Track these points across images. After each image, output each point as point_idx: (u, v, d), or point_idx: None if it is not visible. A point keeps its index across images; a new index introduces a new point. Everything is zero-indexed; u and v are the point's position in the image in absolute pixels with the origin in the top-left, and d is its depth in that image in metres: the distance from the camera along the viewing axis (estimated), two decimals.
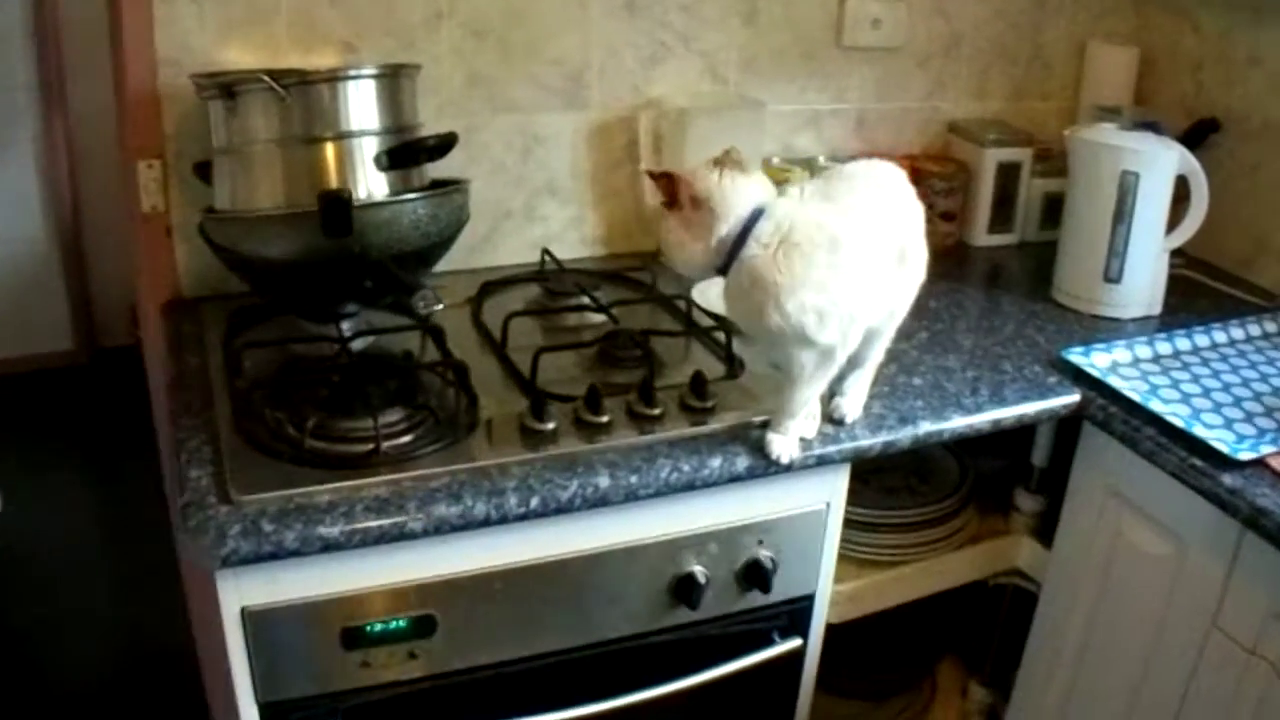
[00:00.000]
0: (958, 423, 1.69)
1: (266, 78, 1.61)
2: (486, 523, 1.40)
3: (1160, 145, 2.01)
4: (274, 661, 1.41)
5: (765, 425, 1.56)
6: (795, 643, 1.73)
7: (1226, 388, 1.82)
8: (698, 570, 1.59)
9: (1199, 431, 1.64)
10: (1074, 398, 1.78)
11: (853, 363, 1.56)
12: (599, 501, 1.45)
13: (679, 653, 1.64)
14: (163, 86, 1.81)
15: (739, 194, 1.41)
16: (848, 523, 1.74)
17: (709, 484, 1.52)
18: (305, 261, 1.62)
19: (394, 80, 1.72)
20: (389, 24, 1.90)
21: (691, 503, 1.55)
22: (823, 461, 1.59)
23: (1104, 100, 2.42)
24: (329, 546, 1.33)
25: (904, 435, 1.65)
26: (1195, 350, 1.95)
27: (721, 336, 1.78)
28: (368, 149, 1.67)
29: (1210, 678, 1.64)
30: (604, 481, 1.46)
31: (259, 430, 1.48)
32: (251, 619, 1.37)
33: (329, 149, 1.66)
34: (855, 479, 1.70)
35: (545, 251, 2.09)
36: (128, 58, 1.79)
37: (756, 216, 1.41)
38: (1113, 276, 2.06)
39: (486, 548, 1.45)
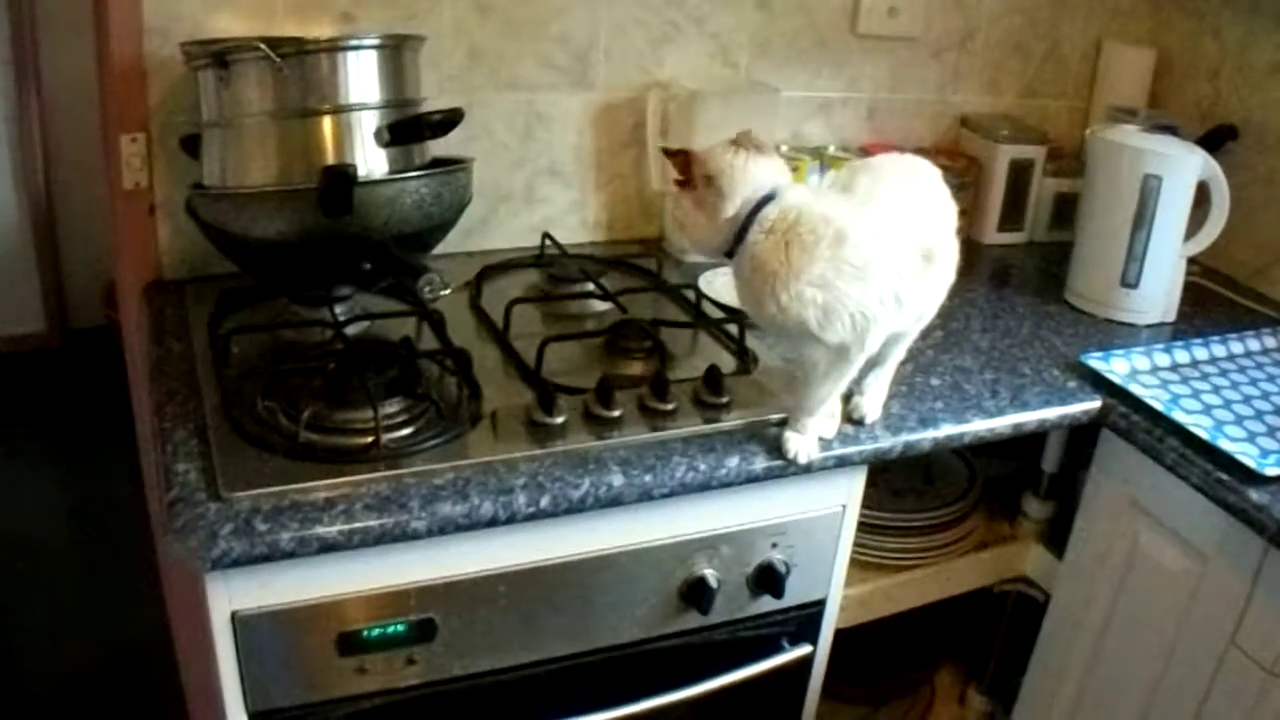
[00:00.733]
0: (978, 426, 1.65)
1: (263, 46, 1.54)
2: (494, 523, 1.33)
3: (1183, 149, 1.97)
4: (265, 668, 1.34)
5: (782, 423, 1.51)
6: (805, 649, 1.68)
7: (1247, 400, 1.78)
8: (709, 574, 1.54)
9: (1224, 445, 1.60)
10: (1095, 404, 1.74)
11: (872, 362, 1.51)
12: (612, 501, 1.39)
13: (686, 659, 1.59)
14: (149, 56, 1.74)
15: (751, 176, 1.37)
16: (856, 525, 1.69)
17: (725, 484, 1.46)
18: (300, 241, 1.55)
19: (397, 52, 1.65)
20: None
21: (704, 503, 1.49)
22: (841, 463, 1.54)
23: (1118, 101, 2.40)
24: (327, 547, 1.26)
25: (925, 437, 1.60)
26: (1213, 360, 1.92)
27: (733, 329, 1.73)
28: (368, 124, 1.61)
29: (1226, 697, 1.61)
30: (617, 480, 1.39)
31: (250, 421, 1.41)
32: (242, 624, 1.30)
33: (327, 123, 1.59)
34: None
35: (546, 235, 2.04)
36: (112, 25, 1.71)
37: (766, 201, 1.37)
38: (1130, 281, 2.02)
39: (490, 548, 1.39)
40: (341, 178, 1.49)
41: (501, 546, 1.39)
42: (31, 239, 4.38)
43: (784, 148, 2.19)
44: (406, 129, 1.63)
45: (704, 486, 1.44)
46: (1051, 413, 1.71)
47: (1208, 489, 1.58)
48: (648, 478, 1.41)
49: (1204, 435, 1.62)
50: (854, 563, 1.76)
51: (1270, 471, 1.54)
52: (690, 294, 1.85)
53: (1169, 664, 1.70)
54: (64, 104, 4.18)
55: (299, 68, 1.56)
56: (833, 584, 1.68)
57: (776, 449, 1.48)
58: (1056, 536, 1.96)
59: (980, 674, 2.29)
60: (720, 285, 1.87)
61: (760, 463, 1.47)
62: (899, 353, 1.59)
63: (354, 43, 1.60)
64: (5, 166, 4.28)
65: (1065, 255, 2.16)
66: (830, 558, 1.65)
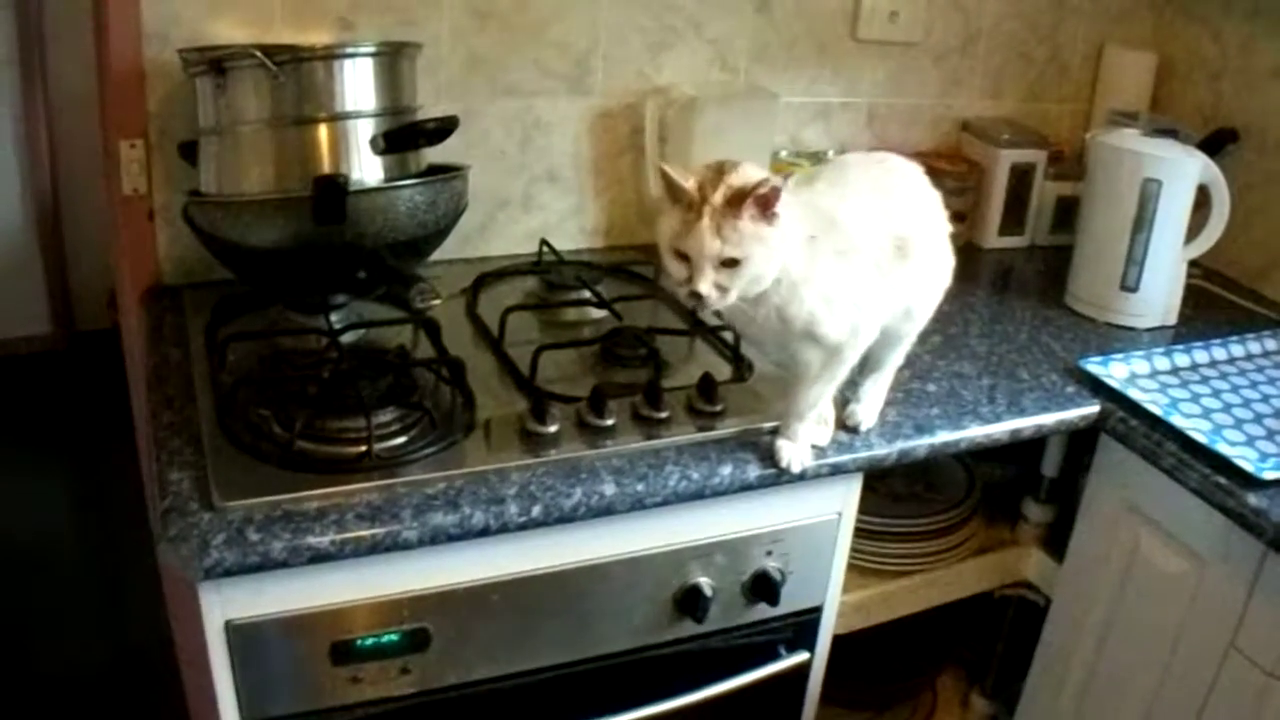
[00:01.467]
0: (975, 432, 1.64)
1: (259, 54, 1.54)
2: (485, 533, 1.33)
3: (1184, 153, 1.97)
4: (259, 677, 1.34)
5: (775, 431, 1.50)
6: (802, 656, 1.68)
7: (1247, 403, 1.77)
8: (704, 582, 1.54)
9: (1223, 449, 1.60)
10: (1093, 409, 1.73)
11: (869, 366, 1.51)
12: (604, 511, 1.39)
13: (682, 667, 1.58)
14: (148, 61, 1.74)
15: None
16: (854, 531, 1.69)
17: (719, 493, 1.46)
18: (294, 249, 1.55)
19: (393, 59, 1.65)
20: (387, 0, 1.83)
21: (699, 512, 1.49)
22: (836, 470, 1.54)
23: (1120, 105, 2.39)
24: (318, 557, 1.26)
25: (921, 444, 1.59)
26: (1213, 363, 1.91)
27: (728, 336, 1.72)
28: (363, 131, 1.61)
29: (1226, 699, 1.61)
30: (609, 489, 1.39)
31: (243, 429, 1.41)
32: (235, 633, 1.30)
33: (322, 130, 1.59)
34: (861, 485, 1.65)
35: (543, 242, 2.03)
36: (111, 30, 1.71)
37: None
38: (1130, 285, 2.02)
39: (483, 558, 1.38)
40: (333, 187, 1.49)
41: (494, 556, 1.39)
42: (37, 241, 4.38)
43: (783, 153, 2.19)
44: (401, 137, 1.63)
45: (697, 495, 1.44)
46: (1049, 418, 1.70)
47: (1206, 493, 1.57)
48: (640, 487, 1.40)
49: (1202, 439, 1.62)
50: (853, 568, 1.76)
51: (1268, 475, 1.54)
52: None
53: (1169, 667, 1.70)
54: (71, 106, 4.17)
55: (295, 75, 1.56)
56: (829, 591, 1.68)
57: (770, 457, 1.47)
58: (1057, 541, 1.95)
59: (982, 678, 2.28)
60: None
61: (754, 471, 1.46)
62: (896, 358, 1.58)
63: (350, 51, 1.60)
64: (12, 167, 4.27)
65: (1066, 259, 2.15)
66: (826, 565, 1.65)
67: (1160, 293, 2.03)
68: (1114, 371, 1.80)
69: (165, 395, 1.52)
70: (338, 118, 1.59)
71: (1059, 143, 2.42)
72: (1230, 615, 1.59)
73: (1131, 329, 2.04)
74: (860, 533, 1.74)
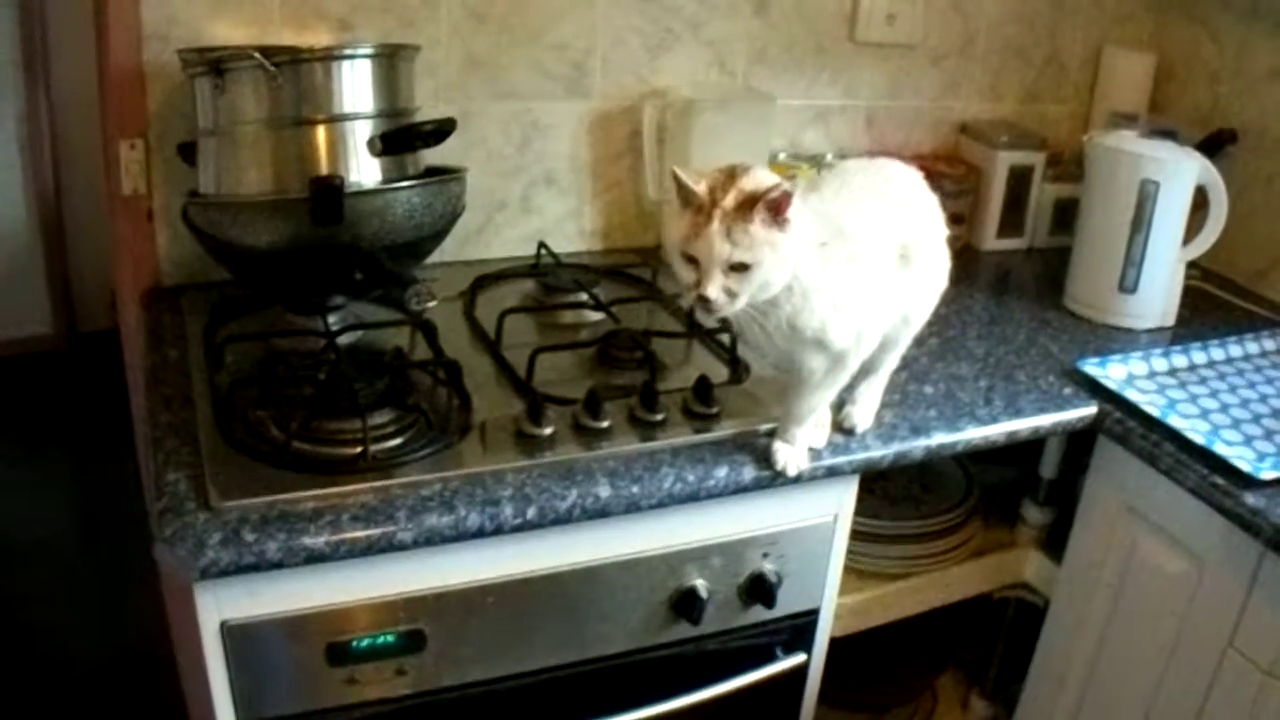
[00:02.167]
0: (972, 434, 1.64)
1: (257, 55, 1.54)
2: (480, 534, 1.33)
3: (1181, 154, 1.97)
4: (255, 678, 1.34)
5: (771, 433, 1.50)
6: (799, 659, 1.68)
7: (1245, 404, 1.77)
8: (699, 584, 1.54)
9: (1220, 449, 1.60)
10: (1090, 410, 1.73)
11: (866, 369, 1.50)
12: (599, 513, 1.39)
13: (678, 669, 1.58)
14: (147, 62, 1.74)
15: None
16: (852, 533, 1.68)
17: (714, 495, 1.46)
18: (292, 250, 1.56)
19: (391, 61, 1.65)
20: (386, 2, 1.84)
21: (694, 514, 1.48)
22: (832, 473, 1.53)
23: (1118, 106, 2.39)
24: (314, 558, 1.26)
25: (916, 446, 1.59)
26: (1211, 364, 1.91)
27: (725, 339, 1.72)
28: (361, 133, 1.61)
29: (1225, 698, 1.61)
30: (604, 491, 1.39)
31: (240, 430, 1.42)
32: (231, 633, 1.30)
33: (320, 132, 1.59)
34: (859, 487, 1.64)
35: (541, 245, 2.03)
36: (112, 31, 1.72)
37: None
38: (1128, 287, 2.02)
39: (479, 559, 1.38)
40: (329, 188, 1.49)
41: (490, 557, 1.39)
42: (40, 241, 4.38)
43: (781, 156, 2.19)
44: (399, 139, 1.63)
45: (692, 497, 1.44)
46: (1046, 420, 1.70)
47: (1204, 493, 1.57)
48: (635, 489, 1.40)
49: (1200, 440, 1.62)
50: (850, 571, 1.76)
51: (1266, 475, 1.54)
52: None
53: (1168, 667, 1.70)
54: (74, 106, 4.17)
55: (293, 77, 1.56)
56: (826, 593, 1.68)
57: (765, 460, 1.47)
58: (1056, 543, 1.95)
59: (982, 680, 2.28)
60: None
61: (749, 473, 1.46)
62: (891, 361, 1.58)
63: (348, 52, 1.60)
64: (15, 167, 4.27)
65: (1065, 261, 2.15)
66: (823, 567, 1.65)
67: (1158, 294, 2.03)
68: (1112, 373, 1.80)
69: (163, 396, 1.52)
70: (336, 119, 1.59)
71: (1057, 144, 2.41)
72: (1228, 615, 1.59)
73: (1130, 330, 2.03)
74: (857, 535, 1.74)
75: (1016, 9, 2.36)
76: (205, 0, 1.73)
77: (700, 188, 1.24)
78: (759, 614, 1.61)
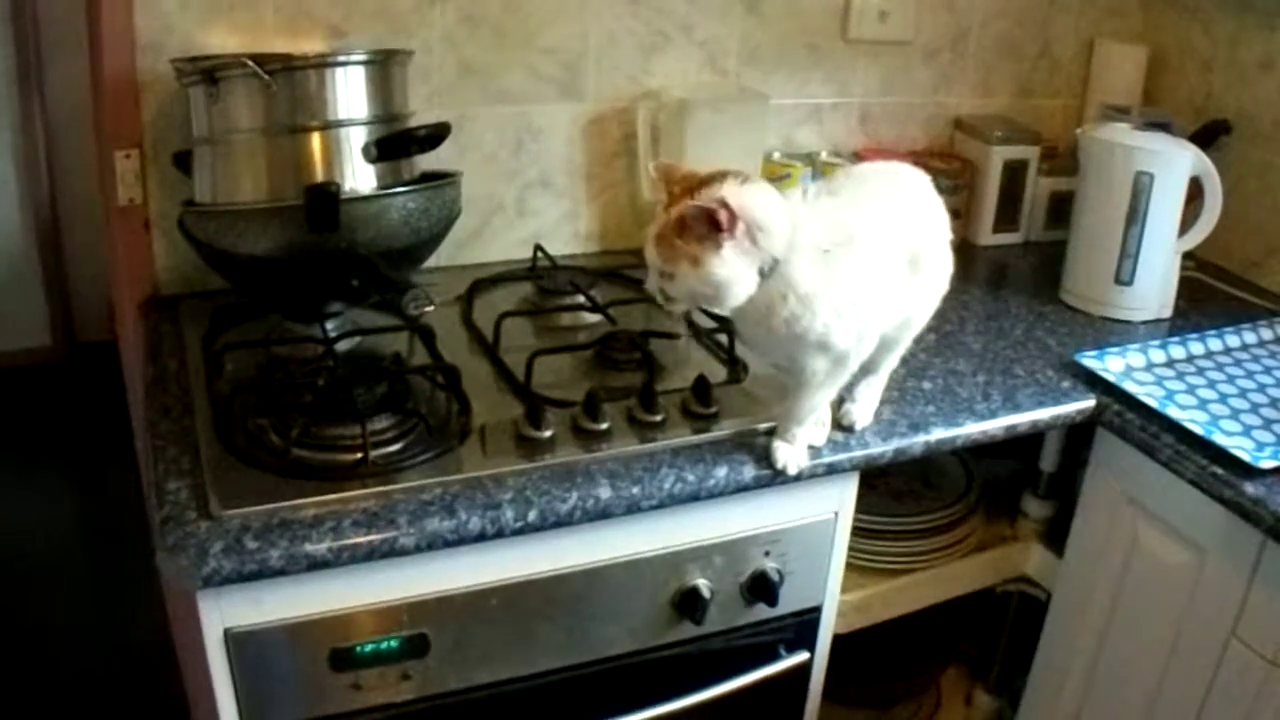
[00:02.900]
0: (971, 429, 1.64)
1: (251, 63, 1.54)
2: (482, 538, 1.33)
3: (1175, 146, 1.97)
4: (260, 685, 1.34)
5: (771, 432, 1.50)
6: (802, 656, 1.68)
7: (1243, 393, 1.78)
8: (702, 584, 1.54)
9: (1219, 439, 1.60)
10: (1089, 403, 1.73)
11: (866, 369, 1.50)
12: (600, 514, 1.39)
13: (682, 669, 1.58)
14: (142, 72, 1.74)
15: (780, 206, 1.31)
16: (853, 530, 1.69)
17: (714, 494, 1.46)
18: (289, 258, 1.56)
19: (385, 67, 1.66)
20: (379, 7, 1.83)
21: (695, 513, 1.49)
22: (832, 470, 1.54)
23: (1112, 99, 2.38)
24: (316, 565, 1.26)
25: (916, 442, 1.59)
26: (1209, 354, 1.91)
27: (723, 339, 1.73)
28: (356, 139, 1.61)
29: (1229, 688, 1.61)
30: (605, 493, 1.39)
31: (240, 438, 1.42)
32: (235, 641, 1.30)
33: (315, 139, 1.59)
34: (860, 484, 1.65)
35: (538, 248, 2.03)
36: (105, 40, 1.71)
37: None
38: (1124, 279, 2.02)
39: (481, 563, 1.39)
40: (325, 195, 1.49)
41: (492, 561, 1.39)
42: (37, 251, 4.37)
43: (776, 155, 2.19)
44: (394, 144, 1.63)
45: (693, 497, 1.44)
46: (1044, 413, 1.70)
47: (1204, 484, 1.57)
48: (635, 490, 1.41)
49: (1199, 430, 1.62)
50: (852, 568, 1.75)
51: (1265, 464, 1.54)
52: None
53: (1171, 657, 1.70)
54: (69, 116, 4.16)
55: (287, 84, 1.56)
56: (828, 590, 1.68)
57: (765, 459, 1.48)
58: (1057, 536, 1.95)
59: (986, 674, 2.28)
60: None
61: (749, 472, 1.47)
62: (892, 360, 1.58)
63: (342, 59, 1.61)
64: (11, 179, 4.27)
65: (1061, 255, 2.15)
66: (825, 564, 1.65)
67: (1155, 286, 2.04)
68: (1110, 365, 1.80)
69: (162, 405, 1.53)
70: (330, 126, 1.59)
71: (1052, 138, 2.41)
72: (1231, 604, 1.59)
73: (1127, 322, 2.04)
74: (859, 531, 1.74)
75: (1008, 4, 2.36)
76: (198, 9, 1.73)
77: (659, 194, 1.30)
78: (762, 612, 1.61)
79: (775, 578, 1.58)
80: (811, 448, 1.51)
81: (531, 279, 1.97)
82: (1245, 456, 1.55)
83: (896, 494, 1.98)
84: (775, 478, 1.48)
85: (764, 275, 1.29)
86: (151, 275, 1.85)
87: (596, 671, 1.53)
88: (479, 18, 1.90)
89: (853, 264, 1.33)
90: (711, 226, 1.24)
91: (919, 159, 2.22)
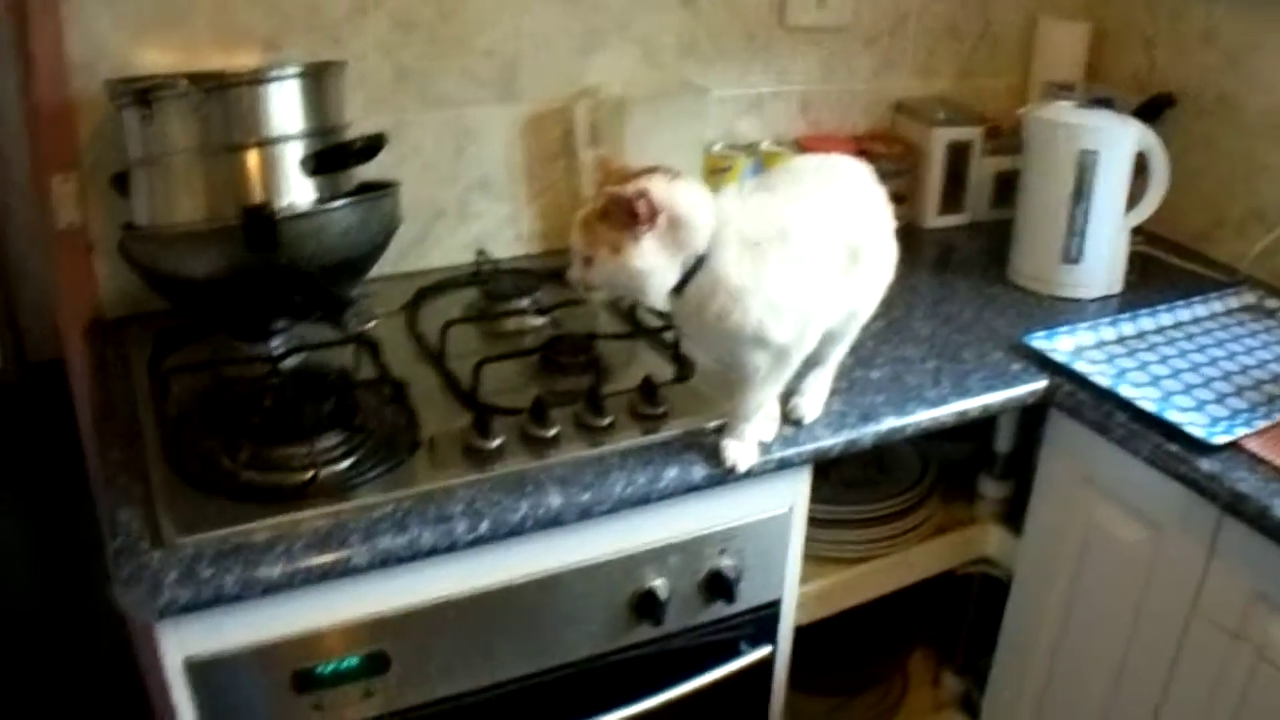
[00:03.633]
0: (921, 417, 1.65)
1: (184, 82, 1.53)
2: (435, 552, 1.33)
3: (1118, 122, 1.98)
4: (223, 711, 1.33)
5: (720, 430, 1.50)
6: (764, 650, 1.68)
7: (1195, 367, 1.79)
8: (658, 585, 1.54)
9: (1172, 416, 1.61)
10: (1040, 385, 1.74)
11: (813, 361, 1.51)
12: (551, 522, 1.39)
13: (645, 670, 1.58)
14: (76, 93, 1.71)
15: (705, 201, 1.33)
16: (810, 520, 1.69)
17: (665, 496, 1.45)
18: (230, 278, 1.55)
19: (318, 80, 1.64)
20: (311, 19, 1.81)
21: (648, 516, 1.48)
22: (783, 465, 1.53)
23: (1056, 76, 2.40)
24: (271, 589, 1.25)
25: (866, 432, 1.59)
26: (1160, 329, 1.93)
27: (669, 337, 1.72)
28: (292, 154, 1.60)
29: (1193, 662, 1.63)
30: (556, 500, 1.39)
31: (191, 463, 1.40)
32: (196, 669, 1.29)
33: (252, 156, 1.58)
34: (814, 474, 1.65)
35: (480, 252, 2.03)
36: (37, 62, 1.69)
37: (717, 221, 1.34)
38: (1072, 257, 2.03)
39: (436, 577, 1.38)
40: (260, 217, 1.48)
41: (447, 574, 1.38)
42: None
43: (717, 147, 2.18)
44: (330, 158, 1.61)
45: (643, 500, 1.44)
46: (995, 397, 1.71)
47: (1158, 461, 1.59)
48: (586, 496, 1.40)
49: (1151, 408, 1.63)
50: (812, 558, 1.76)
51: (1218, 440, 1.55)
52: (625, 303, 1.83)
53: (1134, 634, 1.71)
54: (12, 134, 4.11)
55: (220, 102, 1.55)
56: (786, 584, 1.68)
57: (715, 457, 1.47)
58: (1015, 516, 1.96)
59: (952, 656, 2.30)
60: None
61: (699, 472, 1.46)
62: (839, 352, 1.59)
63: (274, 74, 1.59)
64: None
65: (1008, 235, 2.15)
66: (781, 558, 1.65)
67: (1103, 263, 2.04)
68: (1059, 345, 1.81)
69: (112, 432, 1.51)
70: (266, 142, 1.58)
71: (996, 117, 2.41)
72: (1190, 580, 1.60)
73: (1076, 300, 2.04)
74: (816, 522, 1.74)
75: None
76: (131, 28, 1.70)
77: (595, 182, 1.35)
78: (721, 610, 1.61)
79: (732, 575, 1.58)
80: (761, 444, 1.51)
81: (476, 284, 1.95)
82: (1199, 433, 1.56)
83: (851, 482, 1.98)
84: (726, 476, 1.47)
85: (692, 270, 1.31)
86: (95, 299, 1.84)
87: (559, 678, 1.53)
88: (412, 23, 1.88)
89: (785, 258, 1.33)
90: (632, 217, 1.28)
91: (861, 144, 2.24)
